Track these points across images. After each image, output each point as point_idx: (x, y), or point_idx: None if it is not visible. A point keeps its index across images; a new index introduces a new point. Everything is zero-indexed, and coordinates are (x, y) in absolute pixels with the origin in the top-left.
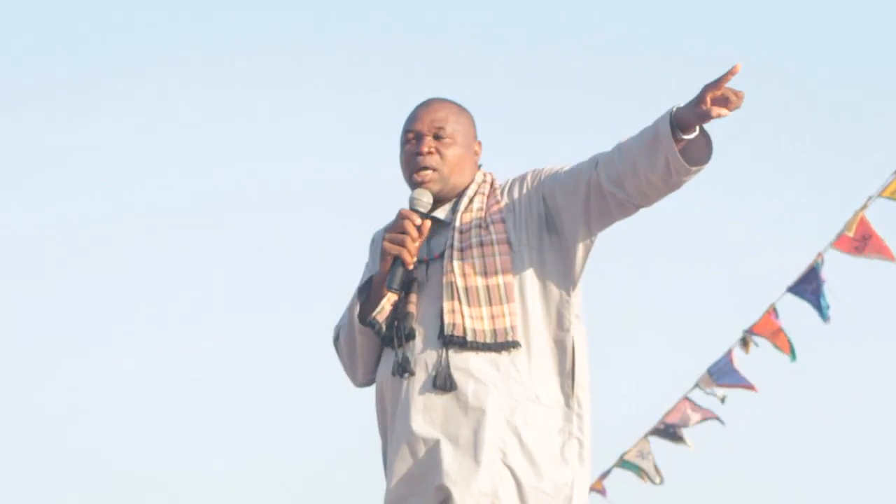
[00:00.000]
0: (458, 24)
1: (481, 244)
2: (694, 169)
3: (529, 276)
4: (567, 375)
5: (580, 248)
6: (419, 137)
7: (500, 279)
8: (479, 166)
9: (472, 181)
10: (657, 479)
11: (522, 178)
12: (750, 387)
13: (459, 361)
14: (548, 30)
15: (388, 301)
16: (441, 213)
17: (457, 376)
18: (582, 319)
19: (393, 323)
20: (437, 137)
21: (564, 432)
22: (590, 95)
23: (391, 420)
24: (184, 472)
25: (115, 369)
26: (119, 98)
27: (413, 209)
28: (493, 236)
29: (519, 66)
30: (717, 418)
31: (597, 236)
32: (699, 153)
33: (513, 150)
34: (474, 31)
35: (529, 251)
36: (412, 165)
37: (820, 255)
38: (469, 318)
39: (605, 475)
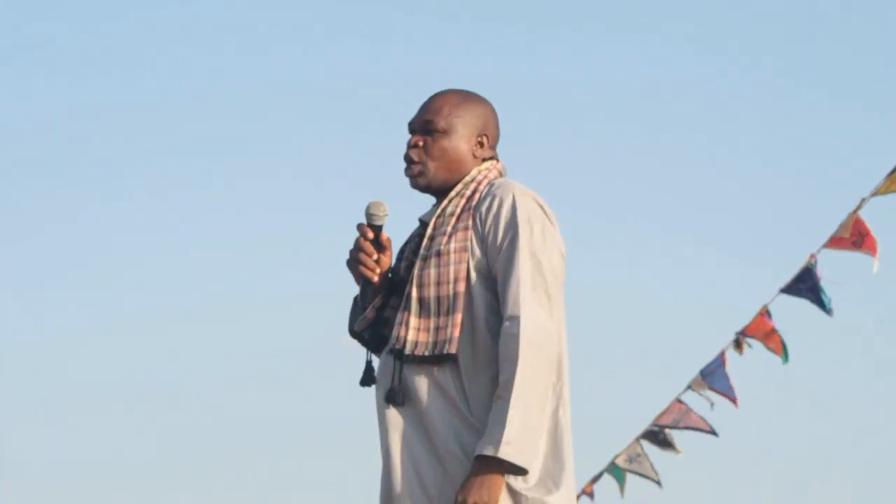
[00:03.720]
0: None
1: (439, 253)
2: None
3: (479, 288)
4: None
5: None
6: (412, 132)
7: (452, 288)
8: (490, 159)
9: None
10: (655, 477)
11: (498, 210)
12: (733, 399)
13: (409, 374)
14: None
15: (373, 307)
16: (430, 215)
17: (405, 390)
18: None
19: (369, 329)
20: (425, 131)
21: None
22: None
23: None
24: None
25: None
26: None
27: (369, 224)
28: (453, 245)
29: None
30: (712, 431)
31: None
32: None
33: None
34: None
35: (480, 263)
36: (405, 161)
37: (813, 255)
38: (413, 330)
39: (596, 479)
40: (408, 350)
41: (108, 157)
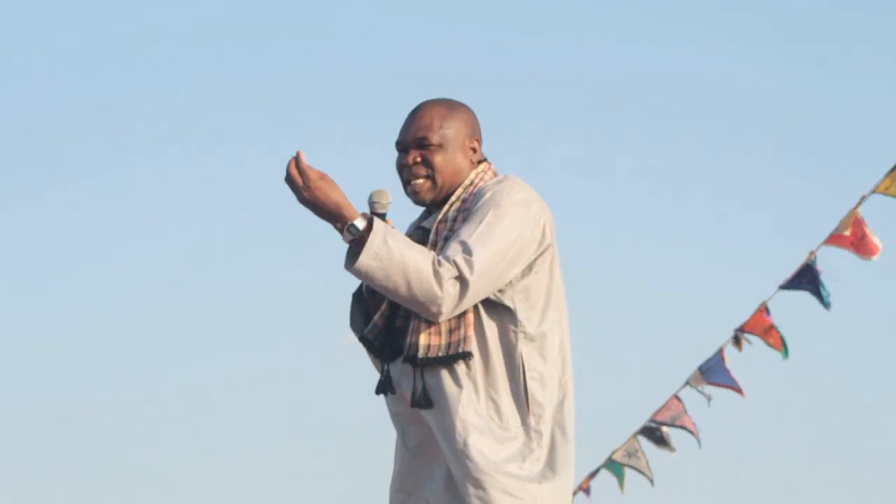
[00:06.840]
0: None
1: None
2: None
3: None
4: (520, 391)
5: None
6: (405, 149)
7: None
8: (483, 161)
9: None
10: (649, 475)
11: (481, 195)
12: (738, 390)
13: (430, 379)
14: None
15: (381, 314)
16: (431, 221)
17: (430, 394)
18: (533, 336)
19: (380, 337)
20: (421, 147)
21: (526, 447)
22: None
23: (397, 430)
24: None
25: None
26: None
27: (373, 212)
28: None
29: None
30: (698, 440)
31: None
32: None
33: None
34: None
35: None
36: (402, 178)
37: (812, 252)
38: (425, 335)
39: (593, 475)
40: (421, 354)
41: (107, 156)
